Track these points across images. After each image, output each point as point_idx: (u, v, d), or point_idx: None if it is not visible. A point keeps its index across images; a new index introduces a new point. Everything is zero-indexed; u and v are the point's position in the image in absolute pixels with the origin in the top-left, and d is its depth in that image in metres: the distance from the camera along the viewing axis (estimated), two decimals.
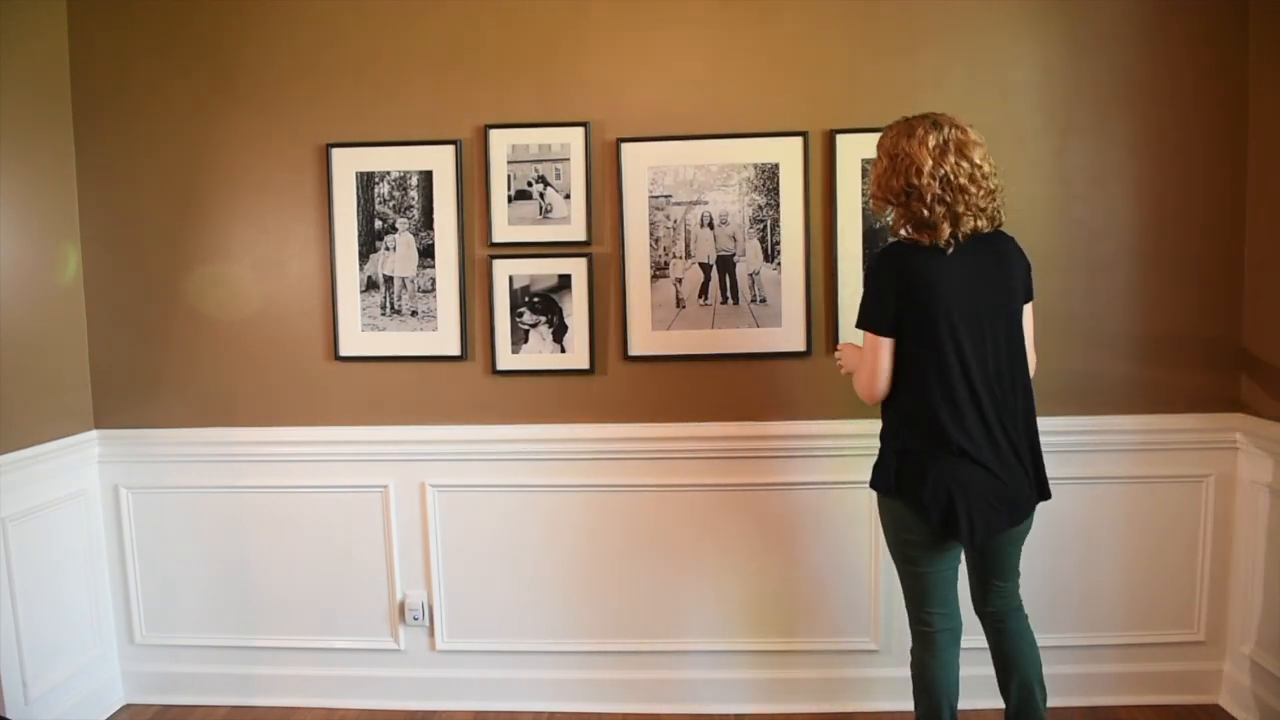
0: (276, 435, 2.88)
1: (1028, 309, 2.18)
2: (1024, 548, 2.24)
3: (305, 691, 2.97)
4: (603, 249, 2.80)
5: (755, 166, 2.73)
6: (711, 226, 2.77)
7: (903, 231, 2.12)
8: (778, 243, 2.75)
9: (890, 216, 2.18)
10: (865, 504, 2.77)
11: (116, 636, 3.00)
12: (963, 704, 2.25)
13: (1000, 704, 2.29)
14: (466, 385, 2.85)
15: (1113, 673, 2.80)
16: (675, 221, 2.77)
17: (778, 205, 2.74)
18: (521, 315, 2.83)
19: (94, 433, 2.92)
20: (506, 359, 2.84)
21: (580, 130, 2.75)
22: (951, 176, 2.00)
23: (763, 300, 2.77)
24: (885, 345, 2.09)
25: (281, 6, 2.78)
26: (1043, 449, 2.18)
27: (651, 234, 2.77)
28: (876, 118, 2.67)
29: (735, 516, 2.83)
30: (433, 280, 2.83)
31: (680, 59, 2.74)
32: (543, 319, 2.82)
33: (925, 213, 2.01)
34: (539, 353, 2.83)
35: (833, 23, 2.70)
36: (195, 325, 2.88)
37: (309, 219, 2.84)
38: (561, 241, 2.79)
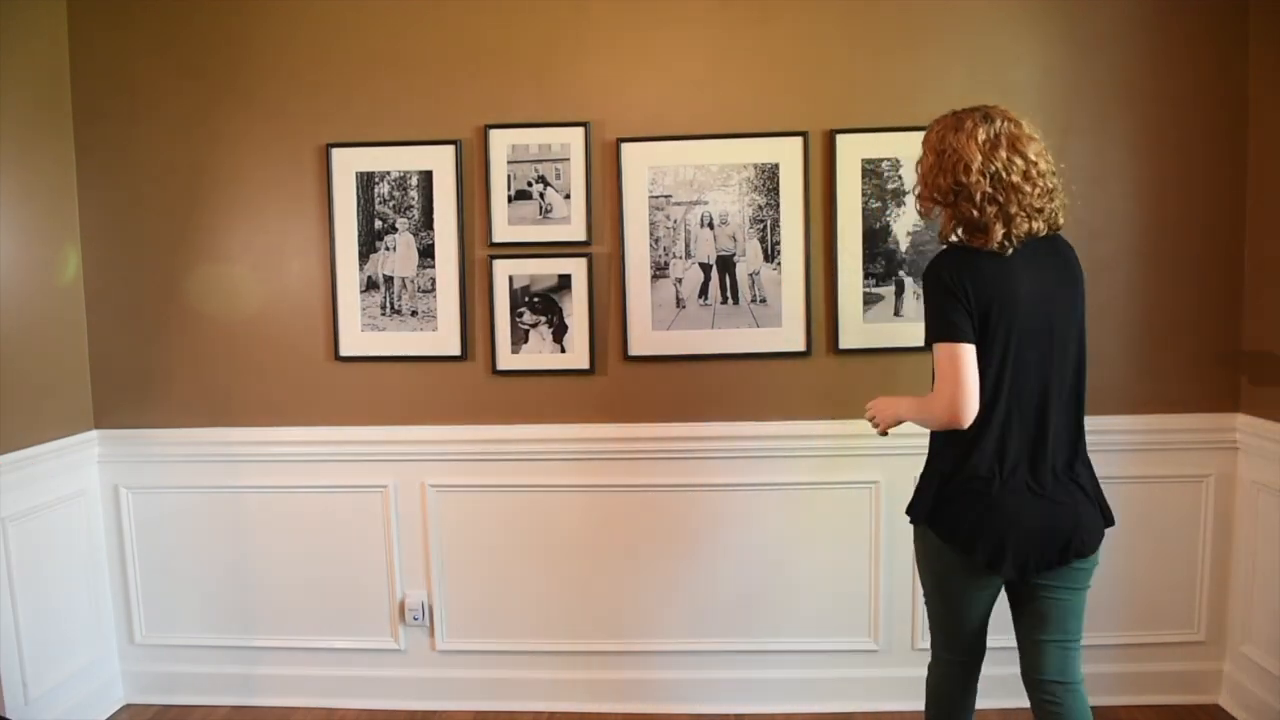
0: (277, 435, 2.89)
1: None
2: None
3: (305, 691, 2.97)
4: (603, 249, 2.80)
5: (755, 166, 2.73)
6: (711, 226, 2.77)
7: (953, 236, 1.93)
8: (778, 243, 2.75)
9: (938, 217, 1.98)
10: (865, 504, 2.78)
11: (116, 636, 3.00)
12: None
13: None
14: (466, 385, 2.85)
15: (1113, 673, 2.79)
16: (675, 221, 2.77)
17: (778, 205, 2.74)
18: (521, 315, 2.82)
19: (94, 433, 2.92)
20: (506, 359, 2.84)
21: (580, 130, 2.75)
22: (1003, 174, 1.82)
23: (763, 300, 2.77)
24: (967, 353, 1.82)
25: (281, 7, 2.78)
26: None
27: (651, 234, 2.77)
28: (876, 118, 2.70)
29: (735, 516, 2.83)
30: (433, 280, 2.83)
31: (680, 59, 2.74)
32: (543, 319, 2.82)
33: (975, 213, 1.83)
34: (539, 353, 2.83)
35: (832, 22, 2.70)
36: (195, 325, 2.89)
37: (309, 219, 2.84)
38: (561, 241, 2.79)
